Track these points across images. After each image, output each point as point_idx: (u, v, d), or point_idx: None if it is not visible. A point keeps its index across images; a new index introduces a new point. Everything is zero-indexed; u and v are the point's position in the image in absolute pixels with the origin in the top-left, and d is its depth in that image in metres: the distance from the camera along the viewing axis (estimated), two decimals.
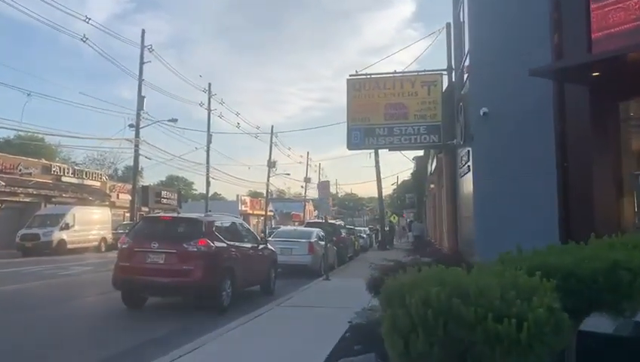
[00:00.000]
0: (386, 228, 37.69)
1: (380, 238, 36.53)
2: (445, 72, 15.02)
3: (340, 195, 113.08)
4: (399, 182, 66.23)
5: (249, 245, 11.48)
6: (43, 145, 45.57)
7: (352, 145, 15.22)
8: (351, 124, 15.15)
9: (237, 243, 10.90)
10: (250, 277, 11.24)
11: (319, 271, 17.18)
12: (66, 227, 28.00)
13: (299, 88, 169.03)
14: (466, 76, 14.19)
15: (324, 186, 15.83)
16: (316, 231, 18.60)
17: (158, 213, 31.45)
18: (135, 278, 9.57)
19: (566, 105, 9.32)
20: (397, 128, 14.78)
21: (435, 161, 17.16)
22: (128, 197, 38.69)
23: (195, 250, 9.55)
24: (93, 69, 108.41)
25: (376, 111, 14.92)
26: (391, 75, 15.29)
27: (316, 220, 31.54)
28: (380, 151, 38.33)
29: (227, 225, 11.11)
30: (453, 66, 14.92)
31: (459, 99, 13.46)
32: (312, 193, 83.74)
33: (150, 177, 65.23)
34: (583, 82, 8.52)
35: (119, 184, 43.61)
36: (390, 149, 16.26)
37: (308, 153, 74.51)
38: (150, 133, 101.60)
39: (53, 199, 33.51)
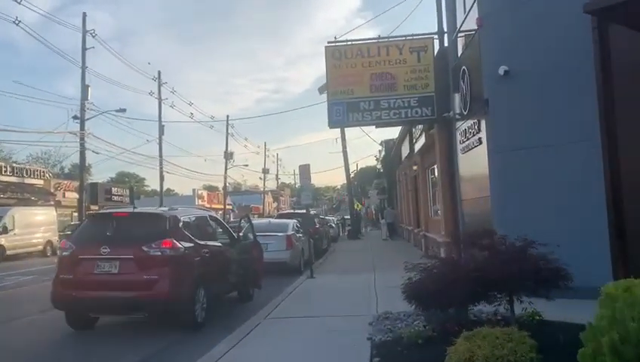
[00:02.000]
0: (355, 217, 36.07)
1: (349, 227, 34.86)
2: (436, 36, 13.24)
3: (296, 186, 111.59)
4: (358, 170, 64.96)
5: (225, 243, 9.40)
6: None
7: (333, 122, 13.22)
8: (332, 98, 13.13)
9: (210, 243, 8.81)
10: (229, 283, 9.19)
11: (299, 267, 15.29)
12: (4, 231, 25.00)
13: (251, 79, 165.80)
14: (461, 39, 12.45)
15: (304, 171, 13.78)
16: (292, 223, 16.67)
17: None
18: (81, 295, 7.37)
19: (612, 57, 7.65)
20: (384, 101, 12.86)
21: (422, 138, 15.41)
22: (76, 195, 35.52)
23: (159, 253, 7.42)
24: (32, 65, 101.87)
25: (360, 83, 12.96)
26: (375, 40, 13.32)
27: (290, 211, 29.54)
28: (346, 135, 36.72)
29: (196, 220, 9.01)
30: (445, 29, 13.16)
31: (459, 64, 11.69)
32: (271, 184, 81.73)
33: (99, 174, 61.59)
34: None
35: (65, 181, 40.20)
36: (377, 126, 14.32)
37: (265, 143, 72.25)
38: (98, 128, 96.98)
39: None
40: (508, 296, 5.13)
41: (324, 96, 31.95)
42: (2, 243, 24.51)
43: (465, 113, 11.22)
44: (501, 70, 8.76)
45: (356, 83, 13.03)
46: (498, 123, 9.15)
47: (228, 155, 54.69)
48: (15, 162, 41.52)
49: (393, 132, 27.15)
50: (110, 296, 7.28)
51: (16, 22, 27.79)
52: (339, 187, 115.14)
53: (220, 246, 9.10)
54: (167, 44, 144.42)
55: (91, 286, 7.36)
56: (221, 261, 8.83)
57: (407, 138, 20.68)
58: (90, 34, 33.38)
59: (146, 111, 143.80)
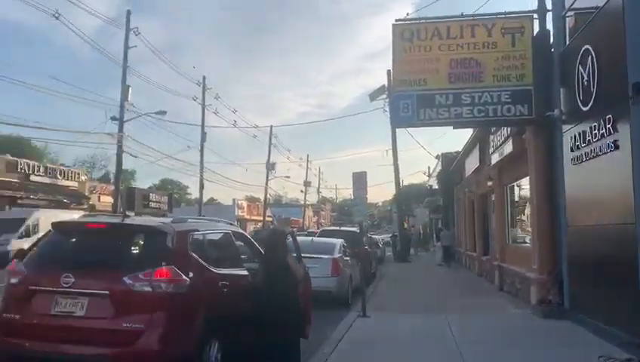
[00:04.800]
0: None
1: (397, 248, 31.74)
2: (535, 15, 10.40)
3: (337, 201, 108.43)
4: (403, 186, 61.84)
5: (254, 271, 6.70)
6: (20, 141, 40.36)
7: (398, 119, 10.43)
8: (397, 89, 10.37)
9: (233, 271, 6.18)
10: (258, 332, 6.44)
11: (346, 298, 12.49)
12: (28, 234, 23.26)
13: (295, 93, 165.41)
14: (569, 20, 9.58)
15: (359, 179, 11.00)
16: (339, 242, 13.82)
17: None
18: (28, 346, 4.84)
19: None
20: (467, 95, 10.05)
21: (507, 146, 12.46)
22: (111, 199, 33.88)
23: (149, 289, 4.84)
24: (80, 74, 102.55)
25: (435, 71, 10.19)
26: (457, 18, 10.55)
27: (334, 227, 26.51)
28: (398, 146, 33.57)
29: (215, 237, 6.41)
30: (549, 6, 10.30)
31: (575, 45, 8.81)
32: (311, 197, 79.17)
33: (144, 179, 60.63)
34: None
35: (101, 185, 38.73)
36: (455, 126, 11.34)
37: (308, 155, 70.07)
38: (138, 133, 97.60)
39: (20, 201, 28.68)
40: None
41: (375, 103, 28.43)
42: (25, 247, 22.72)
43: (585, 109, 8.30)
44: None
45: (431, 71, 10.26)
46: None
47: (270, 166, 52.62)
48: (63, 165, 40.04)
49: (454, 144, 24.14)
50: (69, 351, 4.73)
51: (56, 15, 26.32)
52: (380, 204, 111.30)
53: (247, 275, 6.42)
54: (212, 56, 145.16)
55: (45, 334, 4.82)
56: (248, 299, 6.13)
57: (477, 149, 17.66)
58: (134, 32, 31.90)
59: (189, 118, 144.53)
